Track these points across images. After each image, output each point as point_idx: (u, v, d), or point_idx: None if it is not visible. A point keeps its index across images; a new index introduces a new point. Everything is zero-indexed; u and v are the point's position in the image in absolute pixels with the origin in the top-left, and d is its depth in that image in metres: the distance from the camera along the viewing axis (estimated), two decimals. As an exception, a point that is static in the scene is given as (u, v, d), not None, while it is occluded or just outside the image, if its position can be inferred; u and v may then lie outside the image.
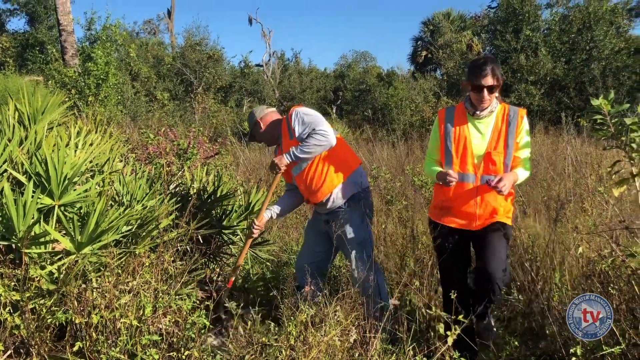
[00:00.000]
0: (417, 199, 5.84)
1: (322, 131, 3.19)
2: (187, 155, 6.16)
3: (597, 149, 7.71)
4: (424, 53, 26.94)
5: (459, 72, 17.60)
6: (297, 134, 3.29)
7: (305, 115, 3.30)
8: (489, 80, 2.81)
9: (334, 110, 23.38)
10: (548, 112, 14.73)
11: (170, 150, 6.19)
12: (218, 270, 4.29)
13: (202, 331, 2.77)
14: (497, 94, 2.89)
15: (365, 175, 3.54)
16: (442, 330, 2.76)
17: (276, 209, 3.60)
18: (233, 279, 3.68)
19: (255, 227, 3.51)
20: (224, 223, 4.17)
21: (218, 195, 4.22)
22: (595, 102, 2.78)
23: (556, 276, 3.42)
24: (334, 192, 3.33)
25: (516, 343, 2.99)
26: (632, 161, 2.73)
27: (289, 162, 3.28)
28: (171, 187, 4.36)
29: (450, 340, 2.82)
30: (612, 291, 3.00)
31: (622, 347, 2.57)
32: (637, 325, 2.67)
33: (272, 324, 2.77)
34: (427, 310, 3.21)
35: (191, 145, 6.29)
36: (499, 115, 2.94)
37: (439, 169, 3.03)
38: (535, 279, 3.47)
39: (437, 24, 25.82)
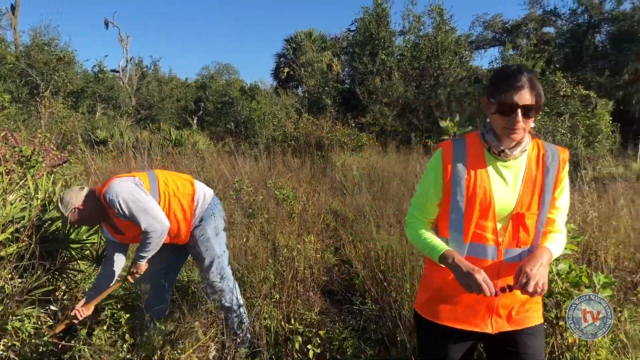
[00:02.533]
0: (279, 212, 5.89)
1: (152, 227, 3.06)
2: (30, 163, 5.61)
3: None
4: (286, 70, 27.48)
5: (319, 90, 18.18)
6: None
7: (127, 209, 3.06)
8: (525, 97, 1.79)
9: (195, 121, 22.90)
10: (400, 133, 15.75)
11: (11, 157, 5.60)
12: (64, 288, 3.96)
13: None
14: (532, 124, 1.88)
15: (205, 187, 3.49)
16: (297, 346, 2.80)
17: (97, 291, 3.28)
18: (57, 329, 3.18)
19: (82, 314, 3.20)
20: (72, 237, 3.87)
21: (66, 207, 3.90)
22: (443, 123, 3.03)
23: (407, 286, 3.63)
24: (192, 225, 3.32)
25: (370, 351, 3.13)
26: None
27: (145, 265, 3.21)
28: (10, 197, 3.95)
29: (311, 354, 2.87)
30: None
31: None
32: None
33: (124, 344, 2.60)
34: (287, 324, 3.23)
35: (36, 152, 5.75)
36: (531, 157, 1.94)
37: (437, 242, 1.95)
38: (387, 289, 3.66)
39: (299, 42, 26.51)
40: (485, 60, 54.02)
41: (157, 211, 3.07)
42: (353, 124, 14.77)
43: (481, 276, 1.74)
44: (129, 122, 18.64)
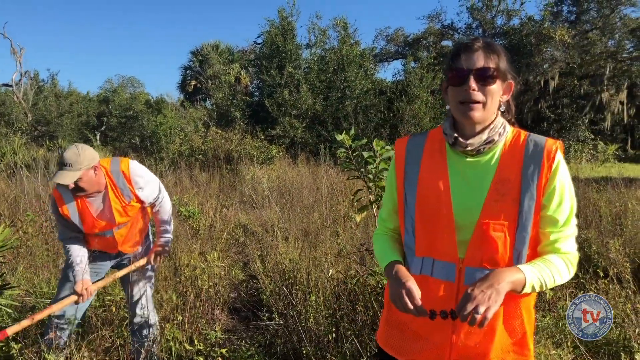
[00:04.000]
0: (183, 229, 5.74)
1: (165, 193, 3.22)
2: None
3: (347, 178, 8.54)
4: (193, 82, 27.01)
5: (227, 103, 18.00)
6: (141, 199, 3.04)
7: (147, 181, 3.07)
8: (479, 60, 1.45)
9: (98, 137, 21.90)
10: (309, 144, 15.91)
11: None
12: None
13: None
14: (503, 104, 1.54)
15: None
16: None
17: (84, 266, 3.01)
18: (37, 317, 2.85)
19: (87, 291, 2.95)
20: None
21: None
22: (339, 137, 3.08)
23: (312, 298, 3.64)
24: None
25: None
26: (369, 190, 3.08)
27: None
28: None
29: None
30: (359, 308, 3.32)
31: (364, 359, 2.84)
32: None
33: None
34: (188, 345, 3.14)
35: None
36: (507, 150, 1.51)
37: (389, 253, 1.63)
38: (292, 302, 3.66)
39: (205, 54, 26.16)
40: (389, 72, 56.19)
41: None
42: (263, 137, 14.74)
43: (406, 288, 1.39)
44: (23, 139, 17.48)
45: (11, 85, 23.46)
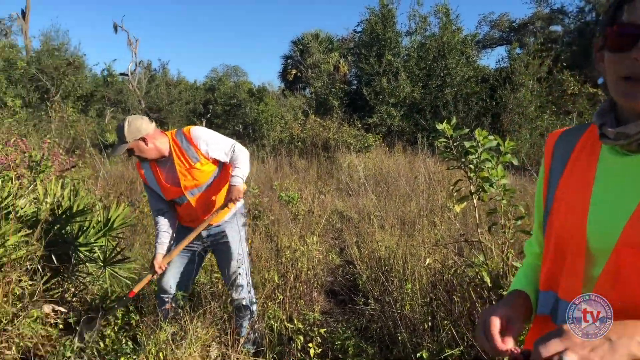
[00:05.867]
0: (284, 214, 5.96)
1: (239, 145, 3.21)
2: (40, 167, 5.73)
3: (446, 168, 8.42)
4: (293, 71, 27.54)
5: (326, 91, 18.23)
6: (214, 157, 3.15)
7: (214, 138, 3.18)
8: None
9: (204, 124, 23.01)
10: (406, 133, 15.76)
11: (21, 162, 5.72)
12: (73, 290, 4.05)
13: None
14: None
15: None
16: (299, 345, 2.86)
17: (165, 241, 3.26)
18: (135, 290, 3.29)
19: (160, 268, 3.23)
20: (80, 240, 3.95)
21: (74, 211, 4.00)
22: (440, 126, 3.08)
23: (408, 286, 3.68)
24: (229, 213, 3.33)
25: (371, 350, 3.18)
26: (470, 180, 3.05)
27: (243, 187, 3.15)
28: (21, 201, 4.05)
29: (312, 352, 2.94)
30: (455, 298, 3.32)
31: (460, 348, 2.84)
32: (474, 328, 2.97)
33: (130, 343, 2.68)
34: (289, 324, 3.29)
35: (45, 157, 5.87)
36: None
37: (515, 281, 1.25)
38: (388, 288, 3.71)
39: (306, 44, 26.57)
40: (492, 59, 53.82)
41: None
42: (360, 125, 14.81)
43: (482, 320, 1.04)
44: (137, 125, 18.77)
45: (127, 75, 25.23)
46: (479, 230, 3.14)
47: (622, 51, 0.93)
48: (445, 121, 3.07)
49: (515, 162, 2.94)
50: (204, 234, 3.33)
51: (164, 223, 3.25)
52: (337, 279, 4.86)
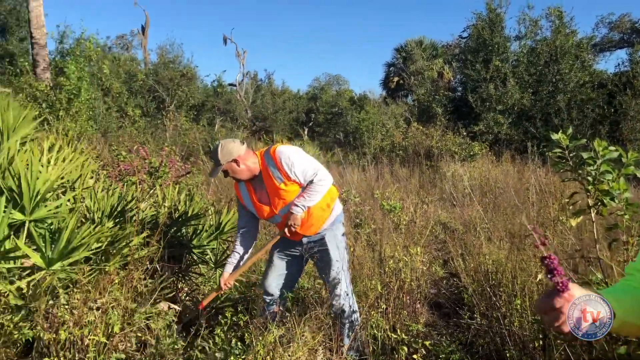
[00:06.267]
0: (386, 223, 5.95)
1: (324, 174, 3.21)
2: (158, 173, 6.16)
3: (560, 179, 7.97)
4: (395, 79, 27.40)
5: (429, 99, 17.97)
6: (295, 179, 3.21)
7: (297, 160, 3.21)
8: None
9: (306, 132, 23.53)
10: (515, 141, 15.13)
11: (142, 168, 6.19)
12: (187, 289, 4.30)
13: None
14: None
15: None
16: (403, 355, 2.83)
17: (233, 261, 3.45)
18: (204, 302, 3.55)
19: (226, 285, 3.44)
20: (194, 242, 4.20)
21: (189, 215, 4.25)
22: (555, 136, 2.93)
23: (517, 302, 3.53)
24: (327, 222, 3.40)
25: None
26: (588, 193, 2.87)
27: (302, 215, 3.24)
28: (142, 205, 4.37)
29: (415, 362, 2.90)
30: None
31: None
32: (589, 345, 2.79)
33: (239, 344, 2.80)
34: (392, 334, 3.28)
35: (163, 164, 6.30)
36: None
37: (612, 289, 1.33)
38: (496, 303, 3.58)
39: (409, 51, 26.35)
40: (611, 63, 50.21)
41: (324, 169, 3.27)
42: (464, 133, 14.43)
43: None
44: (245, 133, 19.61)
45: (235, 85, 26.44)
46: (597, 247, 2.94)
47: None
48: (561, 131, 2.92)
49: (639, 175, 2.73)
50: (305, 240, 3.41)
51: (239, 243, 3.43)
52: (440, 291, 4.76)
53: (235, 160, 3.22)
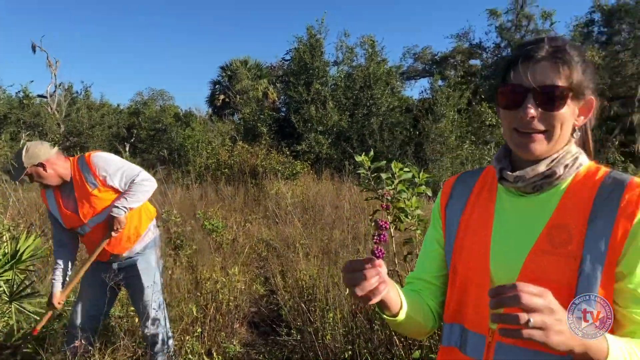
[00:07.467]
0: (207, 243, 5.86)
1: (147, 175, 3.10)
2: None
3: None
4: (221, 97, 27.40)
5: (255, 118, 18.25)
6: (112, 184, 3.04)
7: (115, 163, 3.08)
8: (544, 73, 1.04)
9: (127, 149, 22.35)
10: (334, 160, 16.00)
11: None
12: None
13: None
14: (578, 129, 1.13)
15: None
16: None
17: (59, 278, 3.15)
18: (38, 327, 3.23)
19: (60, 303, 3.14)
20: (-17, 275, 3.70)
21: (-23, 243, 3.75)
22: (358, 158, 3.15)
23: (330, 315, 3.70)
24: (140, 240, 3.24)
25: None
26: (387, 211, 3.13)
27: (124, 218, 3.03)
28: None
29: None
30: (375, 326, 3.36)
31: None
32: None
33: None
34: (207, 358, 3.22)
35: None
36: (574, 191, 1.09)
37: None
38: (310, 318, 3.71)
39: (235, 70, 26.56)
40: (416, 90, 56.00)
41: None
42: (288, 152, 14.89)
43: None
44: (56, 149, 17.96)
45: (46, 97, 24.15)
46: (395, 260, 3.21)
47: (512, 108, 1.06)
48: (364, 153, 3.15)
49: (429, 193, 3.05)
50: (115, 266, 3.22)
51: (60, 257, 3.17)
52: (260, 309, 4.80)
53: (42, 164, 2.98)
